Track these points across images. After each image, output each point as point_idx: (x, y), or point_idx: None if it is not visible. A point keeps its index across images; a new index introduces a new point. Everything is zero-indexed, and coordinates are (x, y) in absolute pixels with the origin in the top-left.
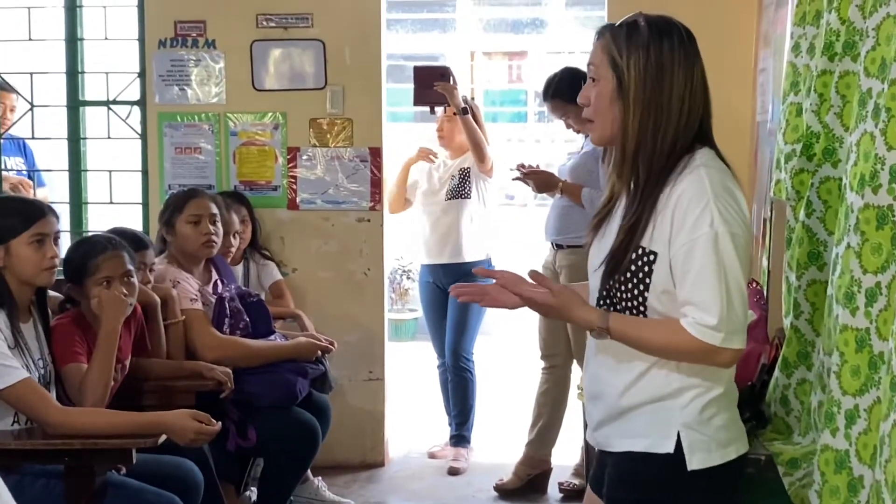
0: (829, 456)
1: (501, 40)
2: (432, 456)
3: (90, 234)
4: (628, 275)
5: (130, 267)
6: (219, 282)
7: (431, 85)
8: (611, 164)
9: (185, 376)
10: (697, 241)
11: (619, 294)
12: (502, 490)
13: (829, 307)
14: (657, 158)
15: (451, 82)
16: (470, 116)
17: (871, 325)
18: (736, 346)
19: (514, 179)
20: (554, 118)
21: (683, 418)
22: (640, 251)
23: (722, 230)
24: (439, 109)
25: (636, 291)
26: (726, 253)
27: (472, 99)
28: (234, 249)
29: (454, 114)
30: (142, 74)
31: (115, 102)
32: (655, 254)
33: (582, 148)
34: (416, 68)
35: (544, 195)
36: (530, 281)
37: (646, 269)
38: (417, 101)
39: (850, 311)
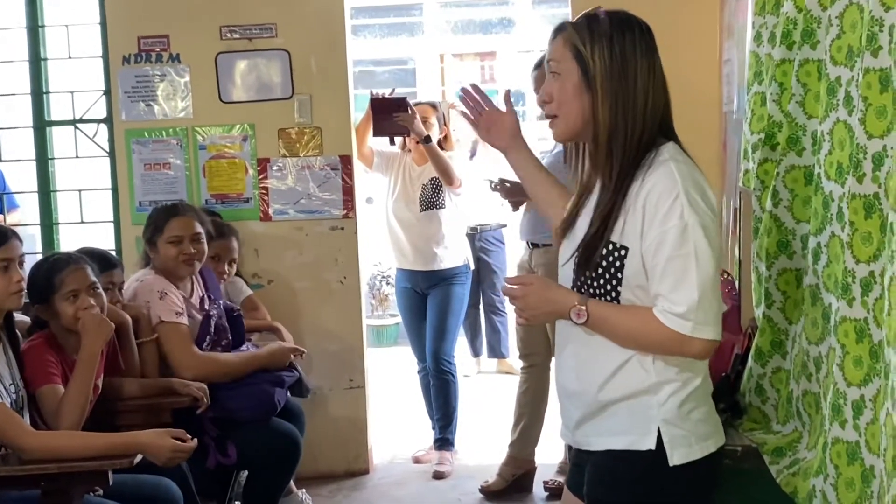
0: (841, 448)
1: (470, 41)
2: (417, 461)
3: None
4: (600, 270)
5: (94, 279)
6: (206, 297)
7: (390, 115)
8: (574, 162)
9: (160, 394)
10: (668, 233)
11: (591, 289)
12: (488, 492)
13: (811, 296)
14: (629, 147)
15: (409, 112)
16: (434, 143)
17: (869, 314)
18: (707, 336)
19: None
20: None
21: (663, 414)
22: (610, 246)
23: (692, 221)
24: (398, 139)
25: (608, 287)
26: (697, 244)
27: (452, 106)
28: (227, 276)
29: (417, 142)
30: (107, 92)
31: (81, 121)
32: (627, 248)
33: (554, 147)
34: (373, 100)
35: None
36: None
37: (617, 263)
38: (377, 132)
39: (846, 301)
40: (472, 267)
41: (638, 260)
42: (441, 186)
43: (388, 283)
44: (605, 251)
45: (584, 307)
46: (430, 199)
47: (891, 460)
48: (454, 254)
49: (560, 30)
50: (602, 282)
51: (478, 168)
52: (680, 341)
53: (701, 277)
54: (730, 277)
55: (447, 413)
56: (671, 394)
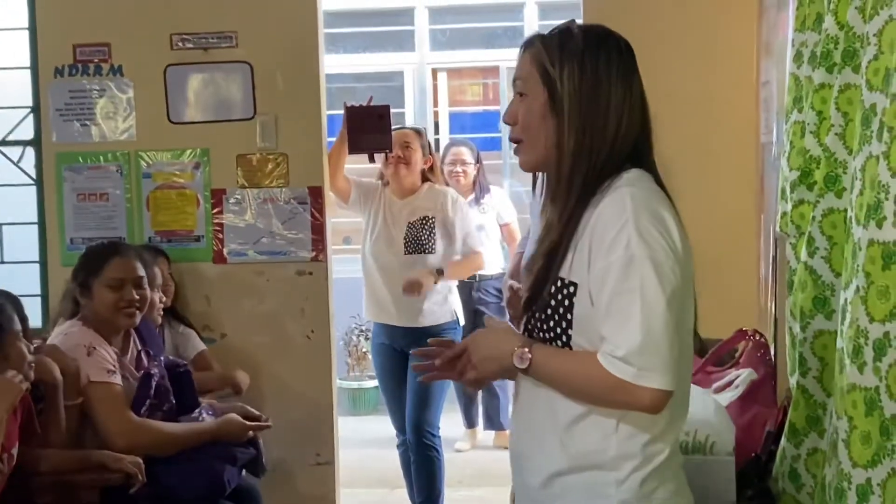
0: None
1: (469, 55)
2: None
3: None
4: (549, 311)
5: (19, 328)
6: (143, 354)
7: (368, 128)
8: (542, 195)
9: (87, 468)
10: (612, 265)
11: (541, 333)
12: None
13: (839, 363)
14: (590, 177)
15: (390, 123)
16: (448, 271)
17: (881, 382)
18: (655, 384)
19: None
20: None
21: (621, 494)
22: (558, 283)
23: (640, 253)
24: (379, 157)
25: (559, 329)
26: (644, 279)
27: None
28: (156, 311)
29: (435, 282)
30: (35, 109)
31: (4, 143)
32: (575, 285)
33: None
34: (348, 109)
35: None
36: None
37: (566, 303)
38: (353, 149)
39: (857, 366)
40: (463, 322)
41: (587, 297)
42: (434, 228)
43: (366, 339)
44: (552, 288)
45: (527, 349)
46: (418, 241)
47: None
48: (442, 307)
49: (528, 45)
50: (552, 324)
51: (486, 215)
52: (624, 390)
53: (646, 317)
54: (763, 339)
55: (431, 496)
56: (632, 470)
